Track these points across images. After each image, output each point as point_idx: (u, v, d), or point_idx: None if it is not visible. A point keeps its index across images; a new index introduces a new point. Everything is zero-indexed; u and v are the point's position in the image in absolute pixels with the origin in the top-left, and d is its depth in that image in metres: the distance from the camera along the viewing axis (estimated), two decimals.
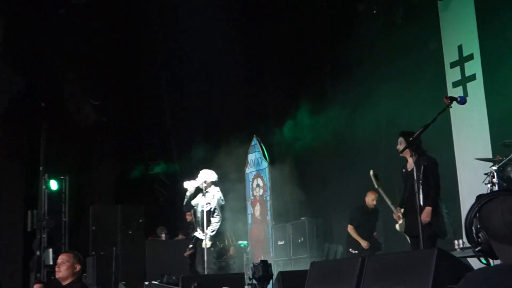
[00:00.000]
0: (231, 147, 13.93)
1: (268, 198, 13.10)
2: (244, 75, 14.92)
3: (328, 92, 13.03)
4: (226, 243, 14.62)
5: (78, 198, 16.44)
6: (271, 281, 7.49)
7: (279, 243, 12.34)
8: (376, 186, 7.28)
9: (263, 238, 13.16)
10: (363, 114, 11.40)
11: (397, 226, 7.03)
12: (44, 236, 14.35)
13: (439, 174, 6.74)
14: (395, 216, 7.02)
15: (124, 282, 9.53)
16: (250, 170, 13.89)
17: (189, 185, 9.33)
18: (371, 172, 7.32)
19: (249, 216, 13.73)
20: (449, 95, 6.80)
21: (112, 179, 17.85)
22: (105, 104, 17.50)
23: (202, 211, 9.08)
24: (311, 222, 11.71)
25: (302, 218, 11.94)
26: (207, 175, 9.34)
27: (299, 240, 11.74)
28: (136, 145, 18.14)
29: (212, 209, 9.10)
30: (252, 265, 7.57)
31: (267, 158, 13.33)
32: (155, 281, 9.16)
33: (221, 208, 9.21)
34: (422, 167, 6.65)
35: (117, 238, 13.61)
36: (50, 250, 14.07)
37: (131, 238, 13.47)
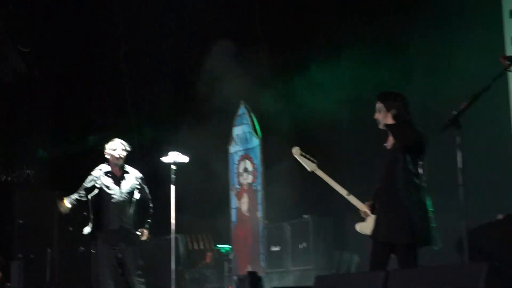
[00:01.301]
0: (210, 117, 14.00)
1: (259, 187, 13.24)
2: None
3: (343, 41, 13.07)
4: (202, 247, 14.81)
5: None
6: None
7: (273, 249, 12.49)
8: (309, 169, 7.10)
9: (251, 241, 13.30)
10: (389, 74, 11.49)
11: (357, 226, 6.95)
12: None
13: (423, 151, 6.64)
14: (361, 213, 6.96)
15: None
16: (235, 148, 14.01)
17: None
18: (294, 151, 7.22)
19: (233, 212, 13.87)
20: (507, 54, 6.83)
21: (47, 154, 17.89)
22: (38, 52, 17.48)
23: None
24: (317, 221, 11.86)
25: (305, 216, 12.08)
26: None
27: (300, 246, 11.90)
28: (79, 108, 18.14)
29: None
30: (236, 278, 7.71)
31: (259, 132, 13.44)
32: None
33: None
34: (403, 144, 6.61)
35: (53, 236, 13.71)
36: None
37: (73, 237, 13.56)
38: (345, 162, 12.64)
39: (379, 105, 6.76)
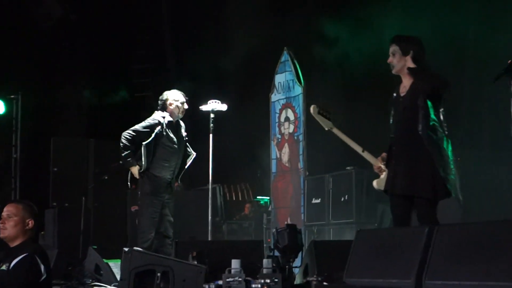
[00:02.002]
0: (251, 64, 13.90)
1: (301, 137, 13.13)
2: None
3: None
4: (240, 198, 14.82)
5: (34, 127, 16.58)
6: (300, 254, 7.56)
7: (314, 201, 12.43)
8: (326, 128, 6.94)
9: (291, 193, 13.26)
10: (445, 19, 11.26)
11: (374, 183, 6.80)
12: None
13: (443, 97, 6.42)
14: (375, 168, 6.78)
15: (95, 246, 9.68)
16: (277, 97, 13.89)
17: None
18: (312, 109, 7.12)
19: (273, 162, 13.80)
20: None
21: (84, 102, 17.96)
22: None
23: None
24: (360, 173, 11.71)
25: (348, 168, 11.96)
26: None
27: (342, 199, 11.81)
28: (119, 56, 18.14)
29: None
30: (275, 230, 7.63)
31: (302, 81, 13.30)
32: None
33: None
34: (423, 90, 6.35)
35: (88, 184, 13.79)
36: None
37: (108, 186, 13.61)
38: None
39: (394, 48, 6.51)
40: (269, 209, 13.71)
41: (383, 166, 6.65)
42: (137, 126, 9.35)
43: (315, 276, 6.85)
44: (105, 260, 8.33)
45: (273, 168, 13.77)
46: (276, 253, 7.38)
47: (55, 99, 17.85)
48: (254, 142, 14.38)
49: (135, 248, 7.29)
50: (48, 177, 14.17)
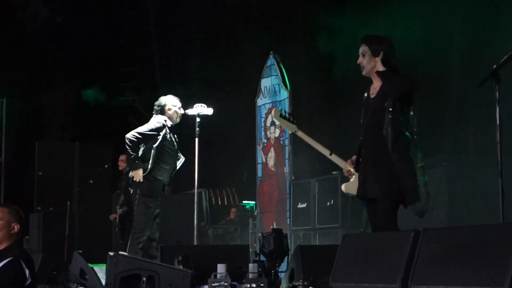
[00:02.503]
0: (237, 67, 13.89)
1: (287, 142, 13.14)
2: None
3: None
4: (225, 203, 14.79)
5: (19, 131, 16.54)
6: (286, 258, 7.56)
7: (300, 206, 12.43)
8: (290, 131, 7.05)
9: (277, 198, 13.26)
10: (432, 21, 11.28)
11: (343, 187, 6.71)
12: None
13: (413, 100, 6.32)
14: (344, 172, 6.66)
15: (80, 251, 9.64)
16: (263, 101, 13.89)
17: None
18: (273, 112, 7.20)
19: (259, 167, 13.80)
20: None
21: (69, 105, 17.91)
22: None
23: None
24: (346, 178, 11.73)
25: (334, 172, 11.95)
26: None
27: (328, 203, 11.81)
28: (104, 58, 18.10)
29: None
30: (260, 235, 7.63)
31: (288, 85, 13.30)
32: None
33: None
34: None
35: (74, 189, 13.75)
36: None
37: (93, 190, 13.60)
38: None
39: (363, 48, 6.40)
40: (255, 213, 13.70)
41: (352, 170, 6.56)
42: (142, 129, 9.46)
43: (301, 280, 6.84)
44: (90, 265, 8.29)
45: (259, 173, 13.77)
46: (262, 258, 7.38)
47: (41, 102, 17.81)
48: (239, 147, 14.38)
49: (120, 252, 7.29)
50: (33, 181, 14.11)
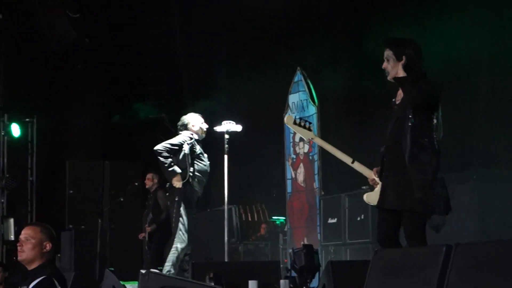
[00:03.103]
0: (265, 84, 13.92)
1: (316, 157, 13.12)
2: None
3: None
4: (255, 219, 14.78)
5: (50, 150, 16.65)
6: (317, 274, 7.55)
7: (330, 221, 12.40)
8: (306, 139, 6.92)
9: (307, 213, 13.23)
10: (460, 33, 11.25)
11: (365, 197, 6.56)
12: (2, 201, 14.61)
13: (436, 107, 6.13)
14: (369, 181, 6.48)
15: (112, 268, 9.69)
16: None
17: None
18: (286, 120, 6.94)
19: (288, 182, 13.79)
20: None
21: (98, 124, 18.02)
22: (88, 18, 17.52)
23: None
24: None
25: (364, 187, 11.90)
26: None
27: (359, 218, 11.78)
28: (132, 77, 18.22)
29: None
30: (291, 250, 7.63)
31: (316, 100, 13.30)
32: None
33: None
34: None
35: (104, 206, 13.82)
36: (11, 220, 14.36)
37: (124, 207, 13.66)
38: None
39: (387, 53, 6.24)
40: (285, 229, 13.68)
41: (377, 179, 6.37)
42: (170, 141, 9.58)
43: None
44: (122, 282, 8.33)
45: (289, 188, 13.76)
46: (293, 274, 7.38)
47: (70, 121, 17.93)
48: (269, 163, 14.39)
49: (151, 270, 7.31)
50: (64, 199, 14.24)
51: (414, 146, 6.02)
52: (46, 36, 16.96)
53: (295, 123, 6.83)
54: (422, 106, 6.08)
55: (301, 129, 6.83)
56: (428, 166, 6.03)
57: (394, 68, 6.21)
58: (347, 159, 6.60)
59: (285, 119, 6.97)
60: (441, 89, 6.27)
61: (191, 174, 9.55)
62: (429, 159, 6.06)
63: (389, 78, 6.27)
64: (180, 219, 9.54)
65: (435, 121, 6.14)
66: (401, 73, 6.18)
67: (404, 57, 6.16)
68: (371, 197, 6.44)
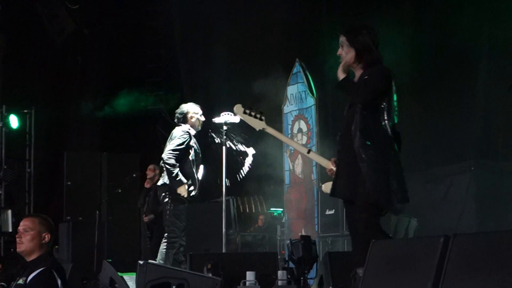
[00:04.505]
0: (262, 75, 13.89)
1: (314, 149, 13.11)
2: None
3: None
4: (253, 210, 14.78)
5: (48, 141, 16.65)
6: (314, 265, 7.55)
7: (328, 212, 12.40)
8: (258, 129, 6.56)
9: (305, 205, 13.24)
10: (458, 26, 11.22)
11: (323, 186, 6.40)
12: (0, 192, 14.62)
13: (390, 92, 5.96)
14: (327, 171, 6.31)
15: (109, 259, 9.69)
16: (289, 108, 13.88)
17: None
18: (235, 109, 6.59)
19: (286, 174, 13.79)
20: None
21: (96, 115, 18.01)
22: (87, 9, 17.51)
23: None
24: None
25: None
26: None
27: None
28: (130, 68, 18.20)
29: None
30: (289, 242, 7.62)
31: (315, 92, 13.29)
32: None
33: None
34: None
35: (102, 198, 13.83)
36: (9, 212, 14.35)
37: (121, 199, 13.66)
38: (410, 120, 12.33)
39: (341, 39, 6.10)
40: (283, 220, 13.68)
41: (335, 169, 6.21)
42: (175, 146, 9.54)
43: (330, 287, 6.84)
44: (119, 274, 8.33)
45: (286, 180, 13.76)
46: (291, 265, 7.38)
47: (68, 113, 17.92)
48: (266, 154, 14.38)
49: (149, 261, 7.32)
50: (61, 191, 14.24)
51: (363, 135, 5.87)
52: (45, 27, 16.95)
53: (245, 112, 6.62)
54: (368, 103, 5.93)
55: (252, 118, 6.61)
56: (379, 157, 5.87)
57: (348, 54, 6.07)
58: (303, 150, 6.56)
59: (234, 108, 6.67)
60: (391, 76, 6.03)
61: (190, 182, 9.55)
62: (381, 148, 5.91)
63: (341, 65, 6.10)
64: (173, 212, 9.56)
65: (384, 105, 5.96)
66: (351, 61, 6.05)
67: (357, 43, 6.04)
68: (328, 187, 6.29)
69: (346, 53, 6.09)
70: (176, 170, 9.49)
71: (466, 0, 11.34)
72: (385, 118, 5.94)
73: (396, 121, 6.01)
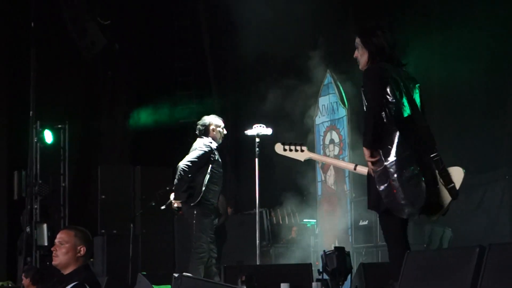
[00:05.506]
0: (293, 88, 13.89)
1: (346, 159, 13.09)
2: None
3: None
4: (286, 222, 14.76)
5: (81, 155, 16.75)
6: (349, 276, 7.53)
7: (362, 223, 12.36)
8: (303, 160, 6.70)
9: (338, 216, 13.20)
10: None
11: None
12: (36, 206, 14.71)
13: (374, 88, 5.85)
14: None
15: (144, 272, 9.74)
16: (321, 119, 13.88)
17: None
18: (276, 149, 6.77)
19: (319, 185, 13.77)
20: None
21: (128, 129, 18.10)
22: (118, 25, 17.62)
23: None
24: None
25: None
26: None
27: None
28: (161, 81, 18.28)
29: None
30: (323, 253, 7.61)
31: (346, 103, 13.28)
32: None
33: None
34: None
35: (136, 211, 13.88)
36: (45, 226, 14.45)
37: (155, 212, 13.69)
38: (444, 132, 12.29)
39: (357, 41, 6.04)
40: (316, 232, 13.65)
41: None
42: (193, 156, 9.47)
43: None
44: (154, 286, 8.37)
45: (319, 191, 13.74)
46: (325, 276, 7.36)
47: (101, 127, 18.04)
48: (299, 165, 14.36)
49: (184, 273, 7.34)
50: (96, 204, 14.31)
51: (364, 134, 5.88)
52: (76, 43, 17.07)
53: (285, 149, 6.80)
54: (375, 109, 5.85)
55: (293, 153, 6.79)
56: (392, 164, 5.75)
57: (363, 56, 6.03)
58: (350, 166, 6.56)
59: (275, 148, 6.88)
60: (381, 73, 5.89)
61: (203, 189, 9.48)
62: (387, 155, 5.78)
63: (360, 67, 6.08)
64: (199, 226, 9.50)
65: (390, 98, 5.86)
66: (364, 63, 5.99)
67: (371, 45, 5.98)
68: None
69: (361, 56, 6.05)
70: (186, 186, 9.45)
71: (494, 7, 11.28)
72: (393, 111, 5.83)
73: (405, 115, 5.90)
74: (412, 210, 5.75)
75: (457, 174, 5.95)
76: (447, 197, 5.90)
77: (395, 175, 5.72)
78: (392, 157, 5.76)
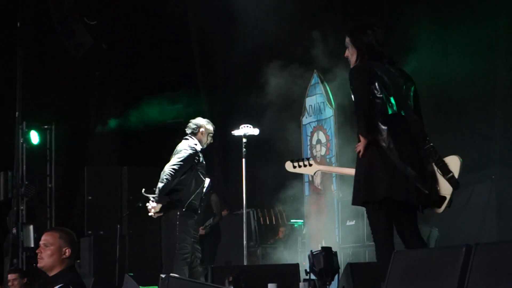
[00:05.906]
0: (281, 86, 13.89)
1: (333, 160, 13.09)
2: None
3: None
4: (273, 222, 14.76)
5: (68, 156, 16.70)
6: (336, 276, 7.52)
7: (349, 223, 12.36)
8: (313, 174, 6.99)
9: (325, 216, 13.20)
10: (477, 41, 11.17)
11: None
12: (22, 208, 14.67)
13: (361, 85, 5.88)
14: None
15: (131, 273, 9.70)
16: (308, 120, 13.86)
17: None
18: (287, 167, 7.01)
19: (306, 185, 13.76)
20: None
21: (115, 130, 18.07)
22: (106, 25, 17.59)
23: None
24: None
25: None
26: None
27: None
28: (148, 82, 18.26)
29: None
30: (310, 253, 7.60)
31: (333, 103, 13.27)
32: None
33: None
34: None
35: (123, 212, 13.84)
36: (31, 227, 14.42)
37: (142, 213, 13.64)
38: (435, 131, 12.30)
39: (346, 40, 6.05)
40: (303, 232, 13.64)
41: None
42: (179, 160, 9.37)
43: None
44: (141, 287, 8.33)
45: (306, 191, 13.73)
46: (312, 276, 7.35)
47: (88, 128, 18.00)
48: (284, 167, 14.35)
49: (171, 274, 7.31)
50: (82, 205, 14.27)
51: (364, 129, 5.92)
52: (64, 43, 17.04)
53: (294, 167, 6.97)
54: (363, 99, 5.91)
55: (303, 168, 6.95)
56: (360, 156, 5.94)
57: (353, 55, 6.04)
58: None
59: (285, 166, 7.06)
60: (364, 72, 5.91)
61: (185, 192, 9.42)
62: (385, 140, 5.88)
63: (351, 67, 6.09)
64: (183, 228, 9.45)
65: (377, 93, 5.89)
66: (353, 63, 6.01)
67: (360, 44, 5.99)
68: None
69: (351, 55, 6.06)
70: (167, 187, 9.40)
71: (491, 7, 11.31)
72: (381, 108, 5.88)
73: (390, 112, 5.93)
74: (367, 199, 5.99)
75: (454, 163, 6.00)
76: (448, 188, 5.94)
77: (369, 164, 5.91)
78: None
